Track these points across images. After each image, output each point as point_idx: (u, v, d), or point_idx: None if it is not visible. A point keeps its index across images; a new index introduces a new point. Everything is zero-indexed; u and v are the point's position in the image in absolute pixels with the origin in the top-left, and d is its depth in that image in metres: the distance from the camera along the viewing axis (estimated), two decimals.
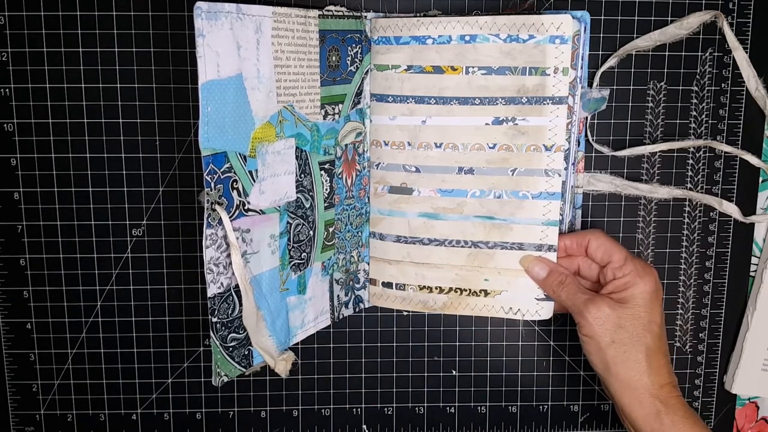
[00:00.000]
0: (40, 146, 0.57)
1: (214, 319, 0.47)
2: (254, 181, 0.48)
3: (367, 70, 0.55)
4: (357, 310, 0.60)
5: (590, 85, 0.58)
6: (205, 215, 0.45)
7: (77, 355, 0.60)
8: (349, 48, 0.53)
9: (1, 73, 0.56)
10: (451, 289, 0.56)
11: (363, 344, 0.62)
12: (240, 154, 0.46)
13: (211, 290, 0.46)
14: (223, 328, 0.48)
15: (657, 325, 0.50)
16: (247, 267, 0.48)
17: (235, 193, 0.47)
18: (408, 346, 0.63)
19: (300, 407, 0.63)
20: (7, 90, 0.56)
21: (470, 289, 0.56)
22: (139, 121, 0.57)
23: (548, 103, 0.52)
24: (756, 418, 0.66)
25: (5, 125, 0.57)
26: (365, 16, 0.54)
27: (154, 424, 0.62)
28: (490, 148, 0.53)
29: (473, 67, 0.52)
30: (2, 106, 0.56)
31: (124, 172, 0.58)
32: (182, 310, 0.60)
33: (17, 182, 0.58)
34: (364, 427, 0.64)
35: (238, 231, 0.47)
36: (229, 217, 0.46)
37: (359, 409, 0.63)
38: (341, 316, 0.58)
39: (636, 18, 0.58)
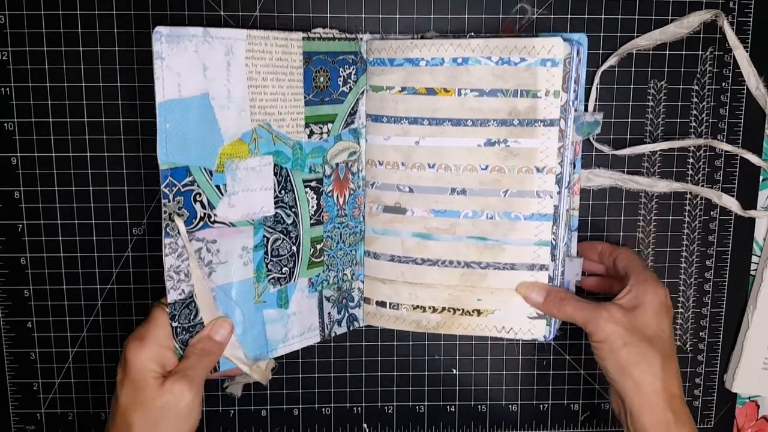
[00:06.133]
0: (41, 145, 0.57)
1: (174, 324, 0.48)
2: (222, 194, 0.49)
3: (363, 91, 0.56)
4: (351, 328, 0.60)
5: (589, 92, 0.58)
6: (163, 225, 0.47)
7: (78, 353, 0.61)
8: (342, 69, 0.54)
9: (2, 72, 0.56)
10: (444, 308, 0.56)
11: (363, 343, 0.62)
12: (205, 169, 0.48)
13: (171, 296, 0.48)
14: (184, 332, 0.49)
15: (666, 334, 0.51)
16: (211, 276, 0.50)
17: (198, 206, 0.48)
18: (408, 344, 0.63)
19: (300, 406, 0.63)
20: (8, 89, 0.56)
21: (463, 309, 0.56)
22: (139, 120, 0.57)
23: (539, 126, 0.52)
24: (756, 417, 0.66)
25: (6, 124, 0.57)
26: (361, 38, 0.55)
27: None
28: (482, 169, 0.54)
29: (465, 89, 0.53)
30: (3, 104, 0.56)
31: (124, 171, 0.58)
32: None
33: (18, 181, 0.58)
34: (365, 425, 0.64)
35: (202, 241, 0.49)
36: (193, 228, 0.48)
37: (360, 408, 0.63)
38: (333, 334, 0.58)
39: (636, 17, 0.58)
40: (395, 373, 0.63)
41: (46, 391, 0.61)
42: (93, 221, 0.58)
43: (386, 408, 0.64)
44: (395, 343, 0.62)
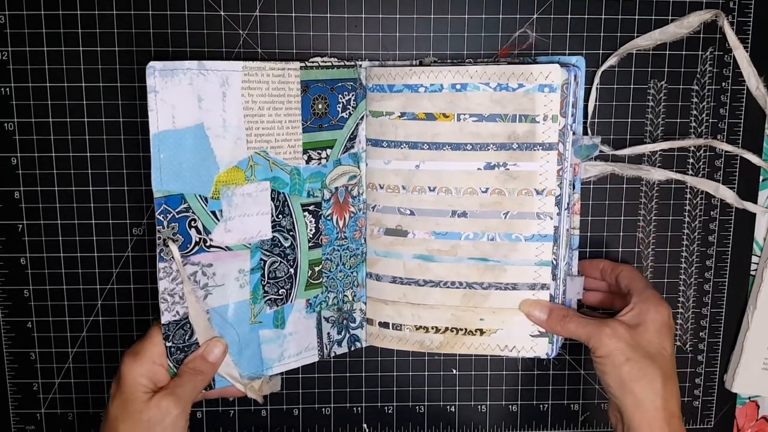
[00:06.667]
0: (41, 145, 0.57)
1: (169, 344, 0.49)
2: (218, 220, 0.50)
3: (362, 116, 0.56)
4: (352, 348, 0.60)
5: (589, 92, 0.58)
6: (157, 250, 0.48)
7: (78, 353, 0.60)
8: (341, 96, 0.55)
9: (2, 72, 0.56)
10: (447, 328, 0.57)
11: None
12: (200, 196, 0.49)
13: (166, 318, 0.49)
14: (179, 351, 0.50)
15: (668, 352, 0.51)
16: (207, 299, 0.51)
17: (193, 231, 0.49)
18: None
19: (300, 406, 0.63)
20: (8, 89, 0.56)
21: (466, 329, 0.57)
22: (139, 120, 0.57)
23: (538, 149, 0.53)
24: (756, 417, 0.66)
25: (6, 124, 0.57)
26: (360, 65, 0.55)
27: None
28: (482, 192, 0.54)
29: (464, 115, 0.53)
30: (3, 105, 0.56)
31: (124, 171, 0.58)
32: None
33: (18, 181, 0.58)
34: (365, 426, 0.64)
35: (197, 265, 0.50)
36: (188, 252, 0.49)
37: (359, 408, 0.63)
38: (333, 354, 0.59)
39: (636, 17, 0.58)
40: (395, 373, 0.63)
41: (46, 392, 0.61)
42: (93, 221, 0.58)
43: (386, 408, 0.64)
44: None
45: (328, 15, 0.57)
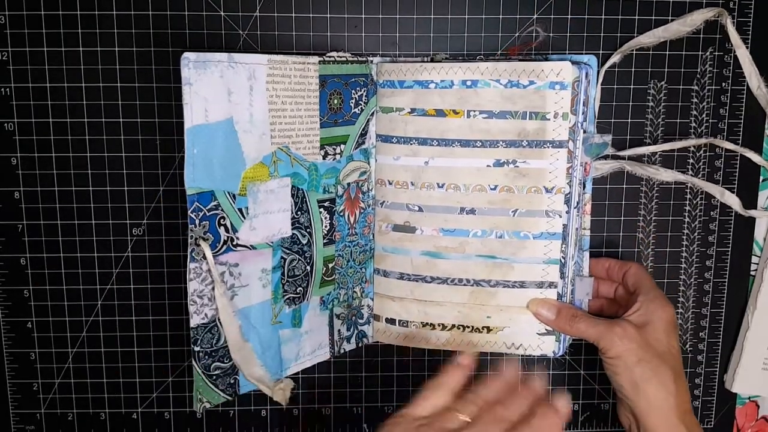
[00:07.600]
0: (41, 145, 0.57)
1: (197, 348, 0.48)
2: (244, 218, 0.49)
3: (373, 112, 0.56)
4: (360, 344, 0.60)
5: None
6: (189, 249, 0.46)
7: (78, 354, 0.60)
8: (354, 91, 0.55)
9: (2, 72, 0.56)
10: (453, 326, 0.57)
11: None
12: (229, 193, 0.48)
13: (194, 321, 0.48)
14: (207, 357, 0.49)
15: (675, 350, 0.52)
16: (233, 300, 0.50)
17: (222, 230, 0.48)
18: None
19: (300, 406, 0.63)
20: (8, 89, 0.56)
21: (472, 326, 0.57)
22: (139, 120, 0.57)
23: (548, 147, 0.53)
24: (756, 417, 0.66)
25: (6, 124, 0.57)
26: (371, 61, 0.55)
27: (154, 423, 0.62)
28: (491, 189, 0.54)
29: (474, 111, 0.53)
30: (3, 105, 0.56)
31: (124, 171, 0.58)
32: (183, 308, 0.60)
33: (18, 181, 0.58)
34: (365, 426, 0.64)
35: (225, 265, 0.49)
36: (216, 252, 0.48)
37: (359, 408, 0.63)
38: (342, 351, 0.59)
39: (636, 17, 0.58)
40: (395, 373, 0.63)
41: (46, 392, 0.61)
42: (93, 221, 0.58)
43: (386, 408, 0.64)
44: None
45: (328, 15, 0.57)
